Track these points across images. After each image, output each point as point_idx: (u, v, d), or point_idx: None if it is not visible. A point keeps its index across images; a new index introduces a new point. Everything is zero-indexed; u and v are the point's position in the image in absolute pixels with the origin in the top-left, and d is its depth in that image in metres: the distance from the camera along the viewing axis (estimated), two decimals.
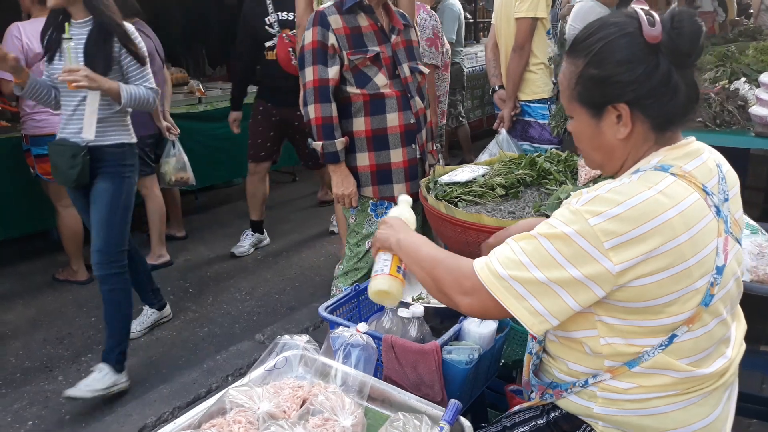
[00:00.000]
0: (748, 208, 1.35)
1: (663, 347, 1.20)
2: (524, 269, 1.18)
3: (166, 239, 4.46)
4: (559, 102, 3.79)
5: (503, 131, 3.61)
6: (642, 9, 1.20)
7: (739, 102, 3.04)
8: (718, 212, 1.20)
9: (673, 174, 1.18)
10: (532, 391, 1.46)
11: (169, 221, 4.54)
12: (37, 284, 4.06)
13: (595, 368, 1.26)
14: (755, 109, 2.93)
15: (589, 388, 1.28)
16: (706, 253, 1.17)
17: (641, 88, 1.18)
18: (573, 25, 4.53)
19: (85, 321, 3.65)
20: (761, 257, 1.94)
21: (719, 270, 1.19)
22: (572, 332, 1.27)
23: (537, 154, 2.70)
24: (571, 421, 1.34)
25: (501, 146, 3.45)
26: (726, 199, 1.24)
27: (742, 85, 3.20)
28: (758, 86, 3.03)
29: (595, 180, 2.35)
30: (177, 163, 4.28)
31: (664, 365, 1.20)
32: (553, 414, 1.38)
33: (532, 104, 3.68)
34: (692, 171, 1.20)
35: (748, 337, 1.53)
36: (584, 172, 2.41)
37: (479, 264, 1.24)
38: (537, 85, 3.64)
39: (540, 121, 3.69)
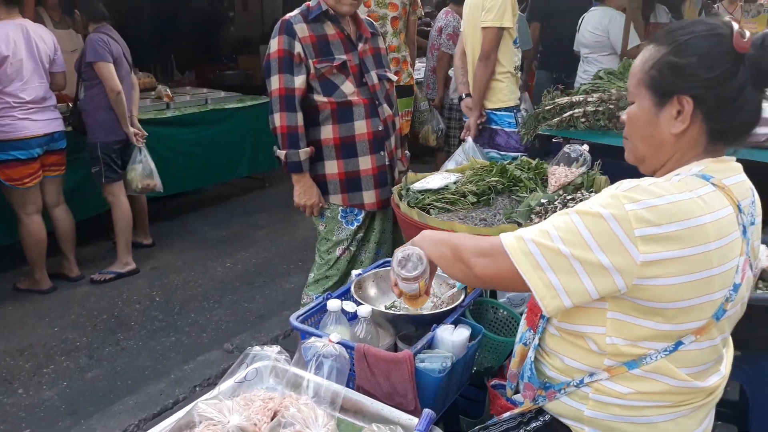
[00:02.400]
0: None
1: (667, 353, 1.19)
2: (549, 239, 1.16)
3: (133, 247, 4.37)
4: (526, 111, 3.84)
5: (469, 139, 3.62)
6: (734, 22, 1.21)
7: None
8: (744, 232, 1.20)
9: (713, 184, 1.18)
10: (516, 384, 1.45)
11: (135, 228, 4.45)
12: None
13: (594, 366, 1.25)
14: None
15: (583, 389, 1.27)
16: (729, 267, 1.17)
17: (712, 89, 1.18)
18: (592, 32, 4.71)
19: (47, 331, 3.55)
20: None
21: (735, 288, 1.19)
22: (580, 326, 1.26)
23: (507, 161, 2.72)
24: (555, 430, 1.34)
25: (468, 154, 3.46)
26: (753, 223, 1.25)
27: None
28: None
29: (564, 187, 2.37)
30: (144, 170, 4.20)
31: (665, 371, 1.20)
32: (533, 424, 1.37)
33: (498, 112, 3.70)
34: (731, 186, 1.20)
35: None
36: (554, 179, 2.44)
37: (506, 235, 1.23)
38: (503, 94, 3.66)
39: (506, 129, 3.72)
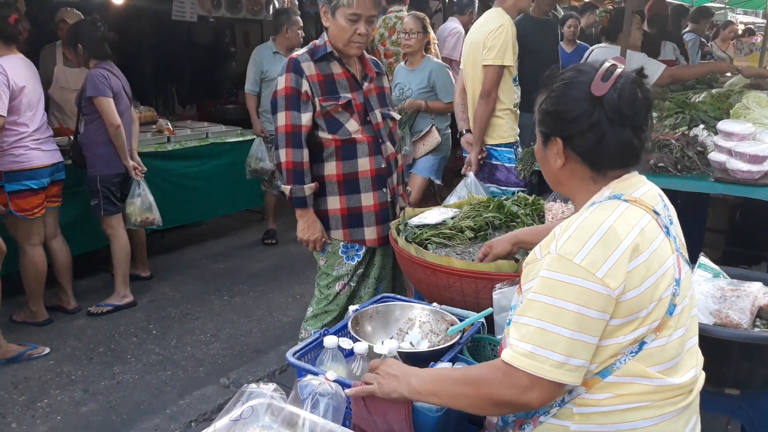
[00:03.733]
0: (710, 250, 1.42)
1: (633, 354, 1.27)
2: (546, 332, 1.23)
3: (131, 279, 4.37)
4: (525, 147, 3.88)
5: (471, 174, 3.66)
6: (611, 64, 1.33)
7: (699, 148, 3.13)
8: (668, 232, 1.34)
9: (625, 200, 1.32)
10: (495, 430, 1.47)
11: (133, 261, 4.45)
12: None
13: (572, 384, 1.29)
14: (714, 155, 3.03)
15: (566, 406, 1.31)
16: (668, 266, 1.29)
17: (573, 128, 1.35)
18: None
19: (42, 364, 3.52)
20: (723, 300, 1.98)
21: (677, 282, 1.31)
22: None
23: (505, 197, 2.74)
24: None
25: (469, 189, 3.50)
26: (671, 222, 1.38)
27: (701, 131, 3.30)
28: (716, 133, 3.14)
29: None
30: (143, 204, 4.22)
31: (637, 372, 1.27)
32: None
33: (498, 148, 3.75)
34: (641, 197, 1.34)
35: (712, 380, 1.55)
36: (551, 215, 2.45)
37: (509, 355, 1.26)
38: (503, 130, 3.71)
39: (506, 165, 3.76)
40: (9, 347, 3.54)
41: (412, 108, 4.43)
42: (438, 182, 4.72)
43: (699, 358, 1.43)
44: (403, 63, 4.64)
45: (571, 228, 1.28)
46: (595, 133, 1.32)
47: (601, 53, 4.99)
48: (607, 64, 1.32)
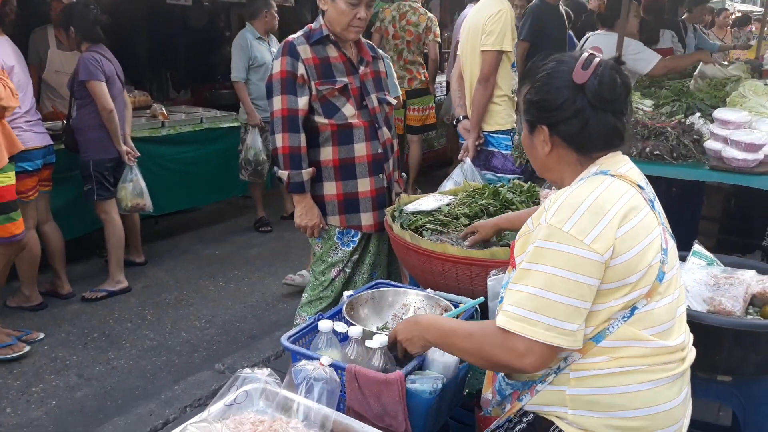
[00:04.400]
0: (704, 238, 1.44)
1: (626, 318, 1.34)
2: (538, 297, 1.29)
3: (125, 265, 4.36)
4: (519, 134, 3.86)
5: (467, 160, 3.65)
6: (590, 54, 1.41)
7: (695, 136, 3.13)
8: (653, 206, 1.41)
9: (611, 175, 1.39)
10: (501, 400, 1.50)
11: (127, 247, 4.43)
12: None
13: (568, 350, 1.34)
14: (709, 144, 3.03)
15: (562, 373, 1.37)
16: (654, 235, 1.36)
17: (558, 115, 1.41)
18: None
19: (36, 350, 3.52)
20: (716, 288, 1.99)
21: (665, 251, 1.38)
22: None
23: (500, 184, 2.74)
24: (538, 428, 1.40)
25: (465, 175, 3.49)
26: (655, 198, 1.46)
27: (697, 119, 3.30)
28: (712, 121, 3.13)
29: None
30: (134, 189, 4.20)
31: (630, 336, 1.33)
32: (518, 428, 1.43)
33: (495, 135, 3.73)
34: (626, 173, 1.42)
35: (705, 367, 1.57)
36: (547, 202, 2.45)
37: (503, 320, 1.32)
38: (500, 117, 3.70)
39: (503, 152, 3.74)
40: (2, 333, 3.52)
41: None
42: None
43: (687, 328, 1.50)
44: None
45: (560, 199, 1.35)
46: (579, 119, 1.39)
47: (598, 40, 4.96)
48: (585, 54, 1.40)
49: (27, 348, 3.45)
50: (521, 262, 1.38)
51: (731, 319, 1.88)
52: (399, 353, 1.61)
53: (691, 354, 1.47)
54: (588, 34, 5.14)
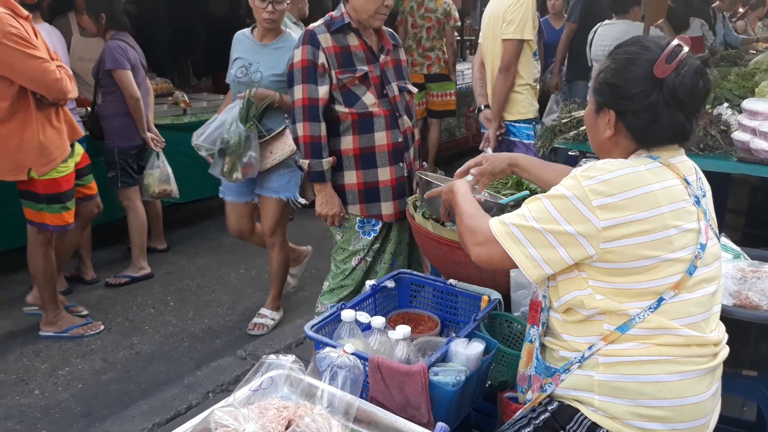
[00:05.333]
0: (730, 231, 1.43)
1: (652, 309, 1.33)
2: (525, 219, 1.39)
3: (148, 252, 4.41)
4: (544, 123, 3.84)
5: (489, 150, 3.63)
6: (677, 45, 1.35)
7: (722, 127, 3.09)
8: (698, 202, 1.39)
9: (660, 162, 1.39)
10: (528, 385, 1.51)
11: (150, 234, 4.49)
12: (14, 295, 3.98)
13: (594, 335, 1.37)
14: (737, 135, 2.98)
15: (590, 359, 1.38)
16: (688, 227, 1.35)
17: (630, 105, 1.39)
18: (613, 45, 4.70)
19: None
20: (743, 282, 1.96)
21: (702, 247, 1.36)
22: (569, 295, 1.41)
23: None
24: (562, 417, 1.40)
25: None
26: (704, 195, 1.44)
27: (724, 110, 3.25)
28: (740, 112, 3.08)
29: None
30: (161, 175, 4.24)
31: (660, 325, 1.33)
32: (542, 417, 1.43)
33: (517, 124, 3.71)
34: (677, 164, 1.41)
35: (730, 361, 1.55)
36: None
37: (493, 220, 1.45)
38: (522, 106, 3.67)
39: (524, 141, 3.72)
40: (67, 318, 3.58)
41: (260, 100, 3.21)
42: (300, 202, 3.49)
43: (722, 328, 1.48)
44: (248, 31, 3.50)
45: (601, 161, 1.39)
46: (650, 114, 1.37)
47: (608, 31, 4.85)
48: (673, 43, 1.35)
49: (102, 327, 3.66)
50: None
51: (758, 313, 1.86)
52: (442, 213, 1.92)
53: (724, 351, 1.45)
54: (598, 25, 5.04)
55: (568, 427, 1.39)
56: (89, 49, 4.59)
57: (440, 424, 1.31)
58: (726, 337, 1.48)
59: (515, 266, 1.40)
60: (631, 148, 1.44)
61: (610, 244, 1.31)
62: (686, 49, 1.34)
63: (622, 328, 1.34)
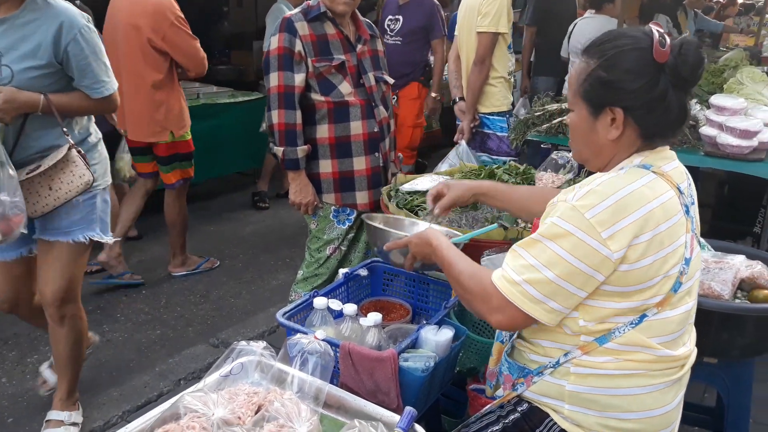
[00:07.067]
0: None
1: (633, 325, 1.30)
2: (536, 271, 1.28)
3: None
4: (516, 116, 3.87)
5: (463, 142, 3.66)
6: (657, 30, 1.30)
7: (691, 122, 3.15)
8: (687, 211, 1.34)
9: (653, 172, 1.32)
10: (496, 382, 1.50)
11: None
12: None
13: (571, 344, 1.34)
14: (705, 130, 3.05)
15: (562, 366, 1.35)
16: (679, 243, 1.31)
17: (639, 98, 1.30)
18: (590, 39, 4.75)
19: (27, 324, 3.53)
20: (706, 272, 2.02)
21: (687, 261, 1.33)
22: None
23: (496, 165, 2.76)
24: (532, 419, 1.39)
25: (461, 157, 3.50)
26: (693, 203, 1.40)
27: (693, 105, 3.32)
28: (708, 107, 3.15)
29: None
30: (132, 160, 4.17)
31: (638, 342, 1.30)
32: (511, 417, 1.42)
33: (491, 117, 3.75)
34: (669, 172, 1.35)
35: None
36: (541, 184, 2.47)
37: (497, 276, 1.34)
38: (496, 98, 3.70)
39: (498, 134, 3.76)
40: (193, 258, 4.26)
41: (12, 111, 2.11)
42: (105, 240, 2.48)
43: (693, 335, 1.46)
44: None
45: (593, 184, 1.29)
46: (662, 102, 1.30)
47: (588, 25, 4.94)
48: (654, 30, 1.30)
49: (218, 262, 4.36)
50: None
51: (720, 302, 1.91)
52: (406, 264, 1.75)
53: (692, 358, 1.43)
54: (576, 20, 5.11)
55: (537, 431, 1.38)
56: None
57: (408, 408, 1.33)
58: (694, 340, 1.46)
59: (534, 321, 1.32)
60: (635, 146, 1.36)
61: (619, 269, 1.26)
62: (661, 31, 1.30)
63: (600, 339, 1.31)
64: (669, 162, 1.37)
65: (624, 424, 1.33)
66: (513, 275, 1.30)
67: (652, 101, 1.30)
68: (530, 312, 1.29)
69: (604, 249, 1.23)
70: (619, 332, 1.30)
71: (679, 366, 1.37)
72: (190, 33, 3.67)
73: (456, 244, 1.73)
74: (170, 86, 3.74)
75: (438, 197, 1.87)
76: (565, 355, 1.34)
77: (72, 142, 2.26)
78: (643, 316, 1.30)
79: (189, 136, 3.94)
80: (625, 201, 1.25)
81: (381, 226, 1.94)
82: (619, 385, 1.32)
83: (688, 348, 1.40)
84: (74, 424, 2.59)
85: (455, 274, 1.46)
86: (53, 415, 2.58)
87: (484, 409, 1.52)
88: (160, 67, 3.64)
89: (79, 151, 2.27)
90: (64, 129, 2.25)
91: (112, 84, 2.35)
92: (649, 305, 1.29)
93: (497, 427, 1.43)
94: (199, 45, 3.72)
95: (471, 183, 1.88)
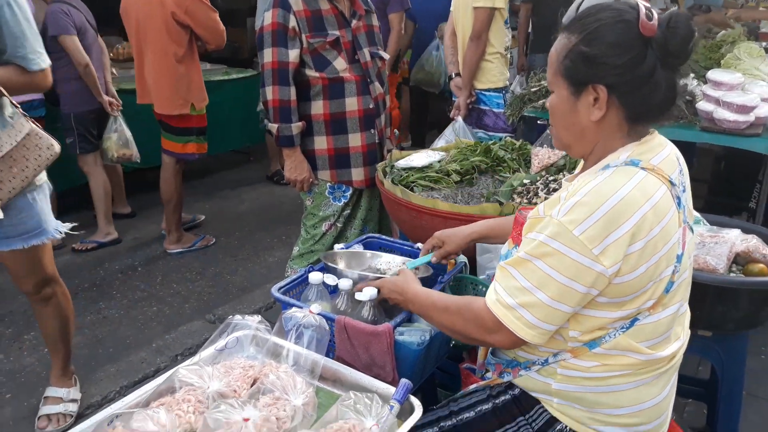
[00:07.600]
0: (693, 199, 1.40)
1: (624, 329, 1.26)
2: (528, 294, 1.23)
3: (114, 217, 4.35)
4: (514, 92, 3.85)
5: (459, 119, 3.64)
6: (645, 5, 1.21)
7: (687, 97, 3.13)
8: (679, 203, 1.26)
9: (643, 168, 1.22)
10: (486, 371, 1.50)
11: (113, 199, 4.41)
12: None
13: (559, 348, 1.31)
14: (702, 105, 3.03)
15: (550, 366, 1.32)
16: (672, 243, 1.23)
17: (624, 75, 1.21)
18: None
19: (27, 300, 3.52)
20: (701, 246, 2.02)
21: (678, 258, 1.25)
22: None
23: (492, 141, 2.74)
24: (522, 404, 1.38)
25: (457, 133, 3.49)
26: (684, 190, 1.30)
27: (690, 80, 3.30)
28: (705, 83, 3.13)
29: (547, 168, 2.40)
30: (119, 139, 4.14)
31: (626, 347, 1.26)
32: (502, 398, 1.42)
33: (487, 93, 3.72)
34: (659, 164, 1.25)
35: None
36: (537, 160, 2.46)
37: (491, 300, 1.29)
38: (493, 74, 3.67)
39: (495, 110, 3.74)
40: (188, 236, 4.31)
41: None
42: (61, 231, 2.37)
43: (686, 325, 1.42)
44: None
45: (580, 193, 1.20)
46: (650, 80, 1.21)
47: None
48: (640, 3, 1.21)
49: (213, 240, 4.42)
50: (526, 242, 1.28)
51: (715, 276, 1.92)
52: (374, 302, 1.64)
53: (681, 352, 1.38)
54: None
55: (528, 416, 1.37)
56: (38, 12, 4.44)
57: (404, 381, 1.33)
58: (688, 331, 1.43)
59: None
60: (617, 130, 1.27)
61: (613, 282, 1.21)
62: (647, 5, 1.22)
63: (590, 344, 1.27)
64: (659, 152, 1.28)
65: (614, 418, 1.31)
66: (507, 299, 1.25)
67: (638, 78, 1.20)
68: (526, 337, 1.25)
69: (598, 266, 1.17)
70: (609, 337, 1.26)
71: (667, 361, 1.33)
72: (210, 5, 3.75)
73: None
74: (191, 60, 3.84)
75: (432, 250, 1.83)
76: (555, 355, 1.32)
77: (25, 113, 2.09)
78: (634, 320, 1.26)
79: (204, 111, 4.02)
80: (614, 211, 1.16)
81: (335, 266, 1.79)
82: (606, 383, 1.29)
83: (679, 344, 1.36)
84: (73, 400, 2.62)
85: (437, 315, 1.42)
86: (51, 392, 2.60)
87: (473, 386, 1.51)
88: (182, 41, 3.74)
89: (34, 121, 2.11)
90: (13, 102, 2.04)
91: (46, 57, 2.10)
92: (642, 310, 1.25)
93: (487, 406, 1.43)
94: (218, 18, 3.80)
95: (465, 231, 1.79)
